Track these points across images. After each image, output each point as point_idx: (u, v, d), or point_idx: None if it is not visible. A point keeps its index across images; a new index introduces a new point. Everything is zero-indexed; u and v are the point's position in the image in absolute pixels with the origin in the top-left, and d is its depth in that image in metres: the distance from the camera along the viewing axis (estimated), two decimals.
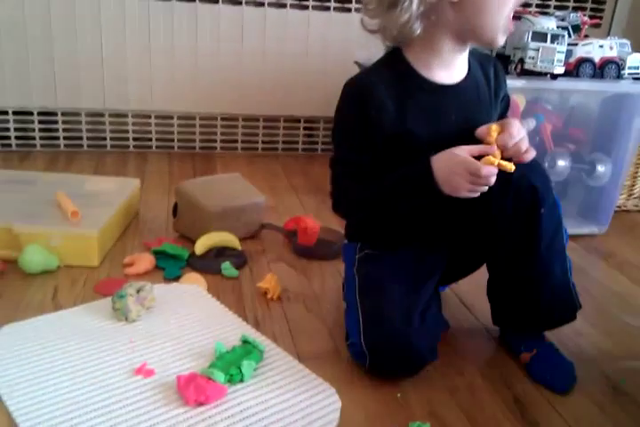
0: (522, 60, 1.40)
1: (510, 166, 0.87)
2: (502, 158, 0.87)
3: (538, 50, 1.38)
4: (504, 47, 1.46)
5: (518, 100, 1.44)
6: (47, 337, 1.00)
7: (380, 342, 0.94)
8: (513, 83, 1.36)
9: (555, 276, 0.99)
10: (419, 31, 0.88)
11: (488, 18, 0.87)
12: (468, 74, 0.97)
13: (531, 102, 1.50)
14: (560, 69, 1.39)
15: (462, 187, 0.86)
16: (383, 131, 0.92)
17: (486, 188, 0.87)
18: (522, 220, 0.95)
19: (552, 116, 1.55)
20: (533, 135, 1.53)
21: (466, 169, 0.85)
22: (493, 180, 0.86)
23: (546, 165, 1.54)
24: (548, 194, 0.95)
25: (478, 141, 0.91)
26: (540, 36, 1.39)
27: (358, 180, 0.95)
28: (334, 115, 0.97)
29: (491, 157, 0.86)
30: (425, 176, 0.88)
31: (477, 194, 0.87)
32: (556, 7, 2.19)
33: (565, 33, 1.42)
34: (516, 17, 1.52)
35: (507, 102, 1.06)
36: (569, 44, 1.43)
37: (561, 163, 1.54)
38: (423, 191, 0.90)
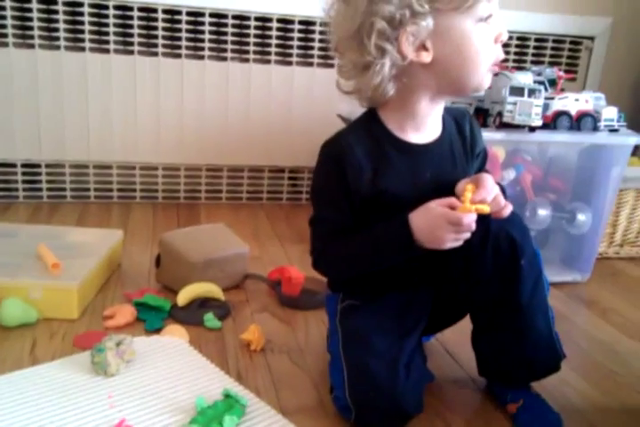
0: (500, 114, 1.43)
1: (486, 208, 0.87)
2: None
3: (515, 104, 1.41)
4: (482, 101, 1.50)
5: (498, 152, 1.47)
6: (23, 393, 0.97)
7: (365, 397, 0.92)
8: (492, 135, 1.40)
9: (537, 327, 0.99)
10: (391, 93, 0.89)
11: (469, 69, 0.88)
12: (442, 132, 0.97)
13: (510, 154, 1.54)
14: (538, 122, 1.43)
15: (445, 239, 0.86)
16: (360, 191, 0.93)
17: (469, 234, 0.87)
18: (501, 272, 0.96)
19: (532, 166, 1.58)
20: (514, 185, 1.55)
21: (447, 220, 0.85)
22: (474, 225, 0.86)
23: (527, 214, 1.56)
24: (527, 245, 0.95)
25: (456, 197, 0.93)
26: (517, 91, 1.43)
27: (338, 238, 0.96)
28: (313, 175, 0.99)
29: (466, 205, 0.87)
30: (404, 235, 0.88)
31: (461, 242, 0.88)
32: (533, 62, 2.27)
33: (542, 87, 1.46)
34: (494, 73, 1.57)
35: (484, 156, 1.07)
36: (546, 98, 1.48)
37: (542, 212, 1.56)
38: (404, 249, 0.90)
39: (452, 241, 0.87)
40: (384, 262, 0.95)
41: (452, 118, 1.00)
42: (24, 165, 1.97)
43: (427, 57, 0.86)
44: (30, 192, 2.01)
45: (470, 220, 0.85)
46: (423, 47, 0.86)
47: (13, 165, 1.96)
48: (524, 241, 0.95)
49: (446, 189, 0.93)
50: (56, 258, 1.28)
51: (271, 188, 2.22)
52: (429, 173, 0.95)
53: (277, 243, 1.80)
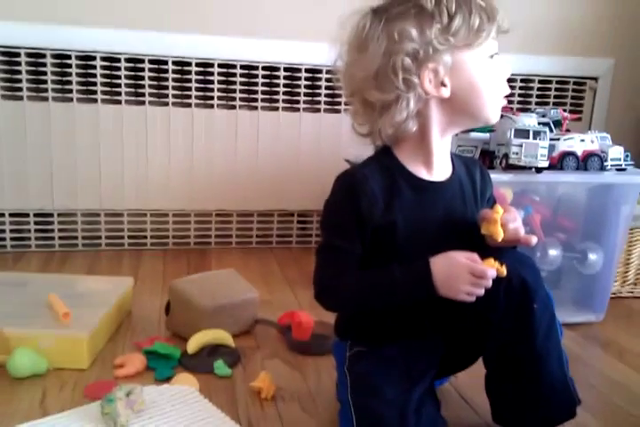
0: (506, 156, 1.44)
1: (503, 271, 0.88)
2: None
3: (521, 146, 1.43)
4: (487, 143, 1.52)
5: (506, 194, 1.48)
6: None
7: None
8: (499, 177, 1.41)
9: (551, 372, 0.97)
10: (413, 129, 0.93)
11: (483, 101, 0.93)
12: (452, 172, 1.00)
13: (518, 195, 1.54)
14: (544, 163, 1.44)
15: (462, 290, 0.87)
16: (373, 221, 0.93)
17: (483, 291, 0.87)
18: (514, 316, 0.95)
19: (540, 207, 1.58)
20: (523, 226, 1.54)
21: (470, 271, 0.86)
22: (490, 283, 0.87)
23: (538, 254, 1.55)
24: (540, 288, 0.95)
25: (464, 238, 0.95)
26: (522, 133, 1.45)
27: (348, 268, 0.95)
28: (325, 205, 0.99)
29: (491, 260, 0.88)
30: (424, 277, 0.88)
31: (474, 298, 0.88)
32: (537, 104, 2.29)
33: (547, 129, 1.48)
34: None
35: (493, 202, 1.08)
36: (551, 139, 1.49)
37: (552, 252, 1.55)
38: (419, 291, 0.90)
39: (467, 294, 0.87)
40: (395, 303, 0.94)
41: (463, 163, 1.03)
42: (36, 215, 2.00)
43: (446, 92, 0.91)
44: (42, 241, 2.03)
45: (493, 274, 0.86)
46: (442, 83, 0.90)
47: (26, 215, 1.99)
48: (536, 284, 0.94)
49: (456, 227, 0.96)
50: (66, 307, 1.28)
51: (281, 231, 2.23)
52: (441, 211, 0.97)
53: (287, 287, 1.79)
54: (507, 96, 0.97)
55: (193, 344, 1.30)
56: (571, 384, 1.00)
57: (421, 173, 0.97)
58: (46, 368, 1.20)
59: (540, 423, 1.02)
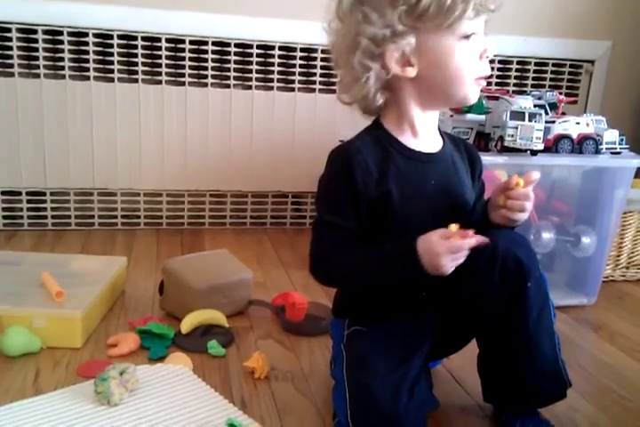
0: (502, 138, 1.44)
1: (472, 238, 0.88)
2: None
3: (517, 128, 1.42)
4: (483, 125, 1.51)
5: (500, 176, 1.47)
6: (25, 424, 0.96)
7: (366, 420, 0.91)
8: (494, 159, 1.40)
9: (543, 352, 0.98)
10: (380, 102, 0.95)
11: (451, 84, 0.93)
12: (443, 145, 1.02)
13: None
14: (539, 146, 1.43)
15: (446, 267, 0.87)
16: (367, 193, 0.94)
17: (466, 253, 0.88)
18: (508, 294, 0.95)
19: (535, 190, 1.57)
20: None
21: (448, 249, 0.86)
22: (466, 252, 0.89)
23: (531, 237, 1.55)
24: (534, 268, 0.95)
25: (458, 209, 0.99)
26: (517, 115, 1.44)
27: (342, 244, 0.96)
28: (319, 180, 0.99)
29: (453, 225, 0.89)
30: (411, 260, 0.88)
31: (462, 260, 0.89)
32: (533, 86, 2.28)
33: (542, 111, 1.47)
34: (495, 97, 1.59)
35: (482, 186, 1.09)
36: (547, 122, 1.48)
37: (546, 235, 1.56)
38: (409, 270, 0.90)
39: (452, 265, 0.88)
40: (387, 279, 0.95)
41: (450, 139, 1.05)
42: (29, 193, 1.99)
43: (411, 72, 0.92)
44: (35, 220, 2.02)
45: (471, 243, 0.87)
46: (408, 63, 0.91)
47: (19, 193, 1.98)
48: (530, 263, 0.94)
49: (451, 199, 0.99)
50: (60, 286, 1.28)
51: (275, 213, 2.23)
52: (434, 181, 0.98)
53: (281, 268, 1.80)
54: (488, 78, 0.97)
55: (187, 324, 1.30)
56: (562, 366, 1.01)
57: (411, 143, 0.98)
58: (39, 347, 1.20)
59: (529, 404, 1.03)
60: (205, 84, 2.02)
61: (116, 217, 2.08)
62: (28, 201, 1.99)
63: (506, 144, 1.43)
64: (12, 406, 1.01)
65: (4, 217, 1.99)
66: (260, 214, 2.22)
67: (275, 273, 1.75)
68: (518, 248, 0.95)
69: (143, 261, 1.78)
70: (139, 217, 2.10)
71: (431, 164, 0.99)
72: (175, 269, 1.40)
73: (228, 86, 2.03)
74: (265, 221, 2.22)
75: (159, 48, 1.95)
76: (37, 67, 1.88)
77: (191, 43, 1.97)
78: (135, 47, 1.93)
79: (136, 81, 1.96)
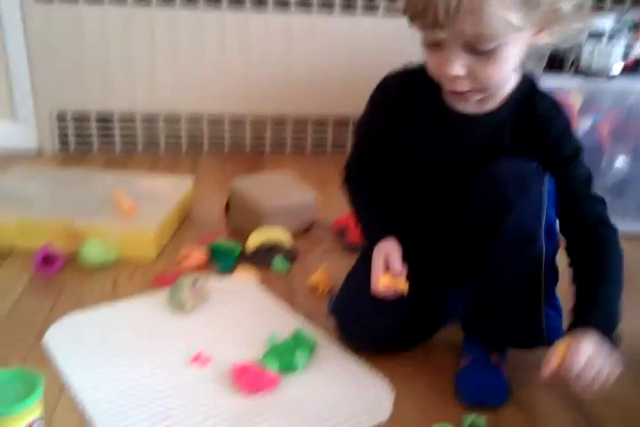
0: (577, 60, 1.38)
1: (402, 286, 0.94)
2: None
3: (593, 50, 1.36)
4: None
5: (574, 100, 1.42)
6: (107, 327, 1.04)
7: (338, 305, 1.06)
8: (568, 83, 1.35)
9: (512, 295, 0.92)
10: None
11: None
12: (497, 109, 0.90)
13: (587, 102, 1.48)
14: (617, 69, 1.37)
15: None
16: (383, 131, 0.98)
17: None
18: (485, 220, 0.89)
19: (609, 115, 1.52)
20: (590, 134, 1.50)
21: (373, 275, 0.96)
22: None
23: (603, 164, 1.51)
24: (521, 208, 0.86)
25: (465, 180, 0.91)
26: (595, 36, 1.37)
27: (359, 168, 1.08)
28: None
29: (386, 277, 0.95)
30: (369, 245, 1.01)
31: None
32: (614, 2, 2.13)
33: (622, 32, 1.39)
34: None
35: (570, 165, 0.91)
36: (626, 44, 1.41)
37: (619, 162, 1.51)
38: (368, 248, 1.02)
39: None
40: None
41: (521, 103, 0.90)
42: (98, 118, 2.04)
43: None
44: (104, 144, 2.07)
45: (380, 291, 0.94)
46: None
47: (88, 118, 2.03)
48: (516, 200, 0.86)
49: (465, 163, 0.92)
50: (132, 203, 1.33)
51: (336, 138, 2.22)
52: (456, 144, 0.93)
53: (341, 192, 1.81)
54: (460, 93, 0.84)
55: (252, 241, 1.34)
56: (542, 320, 0.93)
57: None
58: (116, 258, 1.27)
59: (488, 340, 0.99)
60: (266, 9, 1.98)
61: (180, 142, 2.12)
62: (97, 125, 2.04)
63: (581, 66, 1.37)
64: (95, 310, 1.09)
65: (76, 141, 2.05)
66: (321, 140, 2.21)
67: (336, 196, 1.76)
68: (513, 182, 0.86)
69: (208, 182, 1.82)
70: (202, 142, 2.13)
71: (463, 125, 0.91)
72: (242, 188, 1.43)
73: (288, 10, 1.99)
74: (326, 147, 2.22)
75: None
76: None
77: None
78: None
79: (198, 7, 1.94)
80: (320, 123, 2.18)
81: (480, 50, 0.77)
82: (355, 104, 2.11)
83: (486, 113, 0.90)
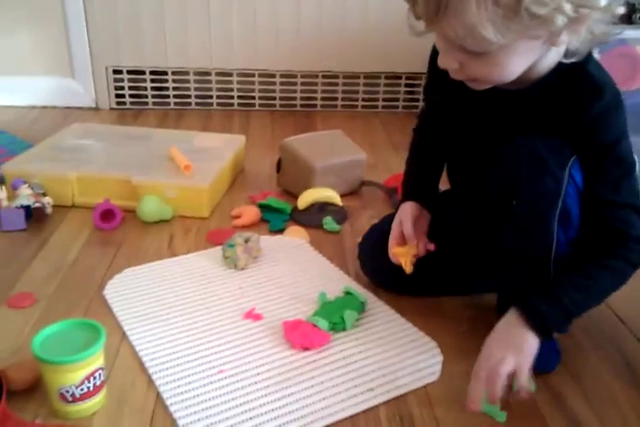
0: None
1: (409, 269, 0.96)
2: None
3: None
4: None
5: None
6: (165, 280, 1.08)
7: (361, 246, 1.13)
8: (636, 33, 1.28)
9: (510, 280, 0.90)
10: None
11: None
12: (523, 92, 0.83)
13: None
14: None
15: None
16: (432, 92, 1.00)
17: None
18: (499, 200, 0.87)
19: None
20: None
21: (393, 229, 1.00)
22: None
23: None
24: (530, 184, 0.83)
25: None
26: None
27: (427, 123, 1.08)
28: None
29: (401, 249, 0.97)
30: (397, 203, 1.05)
31: None
32: None
33: None
34: None
35: (602, 161, 0.81)
36: None
37: None
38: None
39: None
40: None
41: (571, 95, 0.81)
42: (152, 73, 2.06)
43: None
44: (158, 99, 2.10)
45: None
46: None
47: (143, 73, 2.05)
48: (527, 185, 0.83)
49: (487, 138, 0.91)
50: (187, 160, 1.35)
51: (387, 95, 2.18)
52: (482, 116, 0.90)
53: (393, 151, 1.80)
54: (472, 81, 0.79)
55: (303, 200, 1.36)
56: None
57: None
58: (171, 215, 1.30)
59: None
60: None
61: (232, 97, 2.12)
62: (152, 80, 2.07)
63: None
64: (152, 264, 1.13)
65: (131, 95, 2.09)
66: (372, 96, 2.18)
67: (387, 155, 1.75)
68: (525, 165, 0.82)
69: (259, 140, 1.83)
70: (254, 98, 2.13)
71: (488, 96, 0.83)
72: (293, 147, 1.44)
73: None
74: (377, 103, 2.19)
75: None
76: None
77: None
78: None
79: None
80: (372, 78, 2.14)
81: (470, 50, 0.72)
82: (406, 60, 2.08)
83: (517, 90, 0.83)
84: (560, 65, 0.79)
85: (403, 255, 0.96)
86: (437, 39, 0.75)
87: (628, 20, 1.34)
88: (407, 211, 1.00)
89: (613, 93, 0.80)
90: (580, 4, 0.66)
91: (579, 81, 0.80)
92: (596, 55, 1.28)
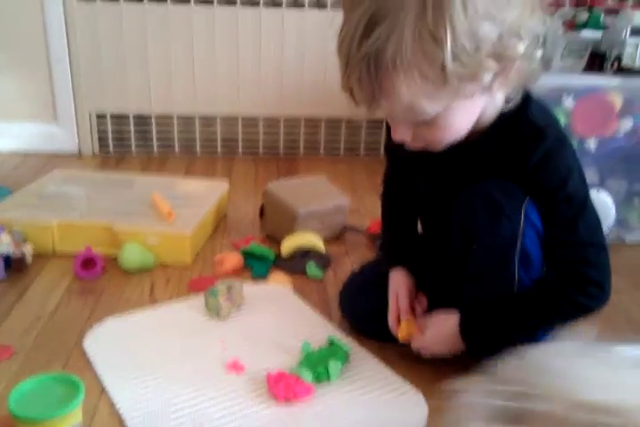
0: (619, 58, 1.34)
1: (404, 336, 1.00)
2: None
3: (637, 46, 1.32)
4: (599, 44, 1.41)
5: (614, 100, 1.39)
6: (145, 331, 1.05)
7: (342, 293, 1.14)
8: (608, 81, 1.32)
9: None
10: None
11: None
12: (471, 143, 0.83)
13: (628, 102, 1.44)
14: None
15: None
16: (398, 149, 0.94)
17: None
18: (462, 238, 0.90)
19: None
20: (630, 136, 1.46)
21: (391, 305, 1.01)
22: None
23: None
24: (488, 235, 0.85)
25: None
26: (637, 33, 1.34)
27: (390, 186, 1.11)
28: None
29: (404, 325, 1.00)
30: (384, 267, 1.07)
31: None
32: None
33: None
34: (614, 10, 1.46)
35: (552, 205, 0.83)
36: None
37: None
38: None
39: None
40: None
41: (514, 142, 0.82)
42: (136, 118, 2.07)
43: None
44: (142, 144, 2.11)
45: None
46: None
47: (126, 117, 2.06)
48: (485, 230, 0.85)
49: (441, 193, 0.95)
50: (170, 207, 1.35)
51: (369, 139, 2.21)
52: (433, 170, 0.94)
53: (375, 196, 1.79)
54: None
55: (286, 246, 1.35)
56: None
57: None
58: (153, 263, 1.29)
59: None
60: (302, 6, 1.98)
61: (216, 143, 2.14)
62: (135, 124, 2.08)
63: (623, 64, 1.34)
64: (133, 314, 1.11)
65: (115, 139, 2.09)
66: (354, 142, 2.21)
67: (369, 201, 1.76)
68: (482, 210, 0.84)
69: (242, 185, 1.84)
70: (237, 143, 2.15)
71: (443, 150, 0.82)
72: (276, 192, 1.44)
73: (324, 7, 1.99)
74: (359, 149, 2.22)
75: None
76: None
77: None
78: None
79: (234, 3, 1.95)
80: (353, 123, 2.18)
81: (416, 121, 0.75)
82: None
83: (466, 143, 0.82)
84: (502, 112, 0.82)
85: (405, 332, 1.00)
86: (385, 116, 0.79)
87: (599, 68, 1.38)
88: (401, 283, 1.03)
89: (555, 133, 0.82)
90: (501, 57, 0.69)
91: (519, 126, 0.82)
92: (571, 103, 1.32)
